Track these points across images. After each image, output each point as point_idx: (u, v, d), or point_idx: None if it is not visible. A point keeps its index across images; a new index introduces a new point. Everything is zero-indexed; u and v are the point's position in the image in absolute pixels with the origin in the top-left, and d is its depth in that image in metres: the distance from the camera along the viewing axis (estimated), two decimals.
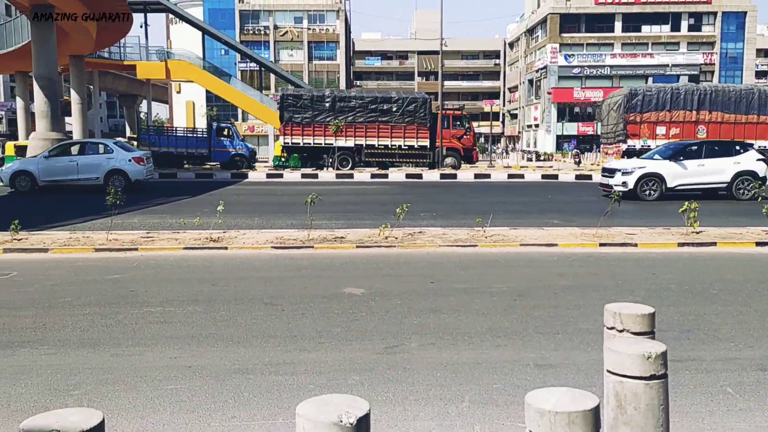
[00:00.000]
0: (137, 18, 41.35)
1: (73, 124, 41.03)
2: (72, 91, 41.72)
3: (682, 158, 18.54)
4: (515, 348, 5.76)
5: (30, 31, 28.69)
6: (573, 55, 60.96)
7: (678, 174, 18.30)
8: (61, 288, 8.02)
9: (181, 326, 6.36)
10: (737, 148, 19.31)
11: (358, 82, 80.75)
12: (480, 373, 5.15)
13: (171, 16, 59.52)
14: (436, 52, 65.13)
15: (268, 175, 28.74)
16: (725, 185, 18.55)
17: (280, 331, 6.21)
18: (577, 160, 41.83)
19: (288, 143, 31.32)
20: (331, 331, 6.21)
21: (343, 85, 66.46)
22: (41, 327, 6.31)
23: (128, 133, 66.72)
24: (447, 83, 75.38)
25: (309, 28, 65.08)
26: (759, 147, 23.70)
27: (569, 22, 61.09)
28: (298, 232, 11.94)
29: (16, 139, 45.83)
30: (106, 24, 34.96)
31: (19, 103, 52.02)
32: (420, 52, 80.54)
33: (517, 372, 5.17)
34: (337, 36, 65.64)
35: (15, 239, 10.76)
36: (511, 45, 79.91)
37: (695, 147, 19.28)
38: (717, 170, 18.45)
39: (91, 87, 52.00)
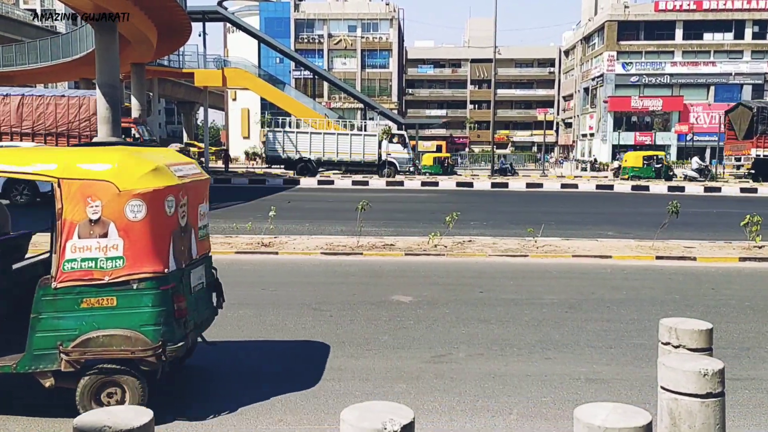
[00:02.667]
0: (196, 27, 42.48)
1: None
2: (132, 98, 43.16)
3: None
4: (566, 361, 5.63)
5: (94, 39, 29.81)
6: (631, 63, 59.65)
7: None
8: None
9: (231, 329, 6.46)
10: None
11: (410, 90, 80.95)
12: (529, 385, 5.06)
13: (228, 25, 60.98)
14: (489, 60, 64.75)
15: (320, 182, 29.05)
16: None
17: (328, 336, 6.24)
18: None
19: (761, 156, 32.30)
20: (378, 338, 6.21)
21: (395, 93, 66.77)
22: None
23: (185, 138, 68.57)
24: (500, 91, 74.85)
25: (362, 37, 65.65)
26: None
27: (627, 29, 59.82)
28: (347, 238, 12.00)
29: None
30: (166, 33, 36.08)
31: None
32: (473, 60, 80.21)
33: (568, 386, 5.06)
34: (390, 44, 66.00)
35: None
36: (567, 53, 78.74)
37: None
38: None
39: (151, 94, 53.71)
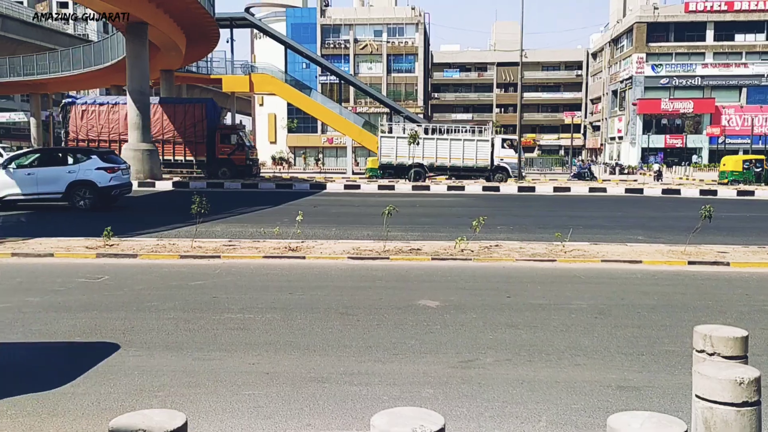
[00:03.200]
0: (224, 33, 42.96)
1: None
2: None
3: None
4: (596, 368, 5.56)
5: (125, 47, 30.34)
6: (660, 65, 58.83)
7: None
8: (148, 292, 8.38)
9: (260, 333, 6.51)
10: None
11: (435, 94, 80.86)
12: (558, 392, 5.01)
13: (255, 31, 61.58)
14: (515, 64, 64.37)
15: (346, 186, 29.14)
16: None
17: (355, 341, 6.25)
18: (656, 174, 39.56)
19: None
20: (405, 343, 6.20)
21: (420, 97, 66.75)
22: (130, 329, 6.61)
23: None
24: (526, 95, 74.37)
25: (388, 41, 65.78)
26: None
27: (657, 31, 59.01)
28: (374, 243, 12.02)
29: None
30: (194, 40, 36.55)
31: None
32: (499, 64, 79.83)
33: (598, 393, 4.99)
34: (416, 48, 66.02)
35: (107, 245, 11.33)
36: (594, 55, 77.95)
37: None
38: None
39: None
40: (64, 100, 36.33)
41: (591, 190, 28.86)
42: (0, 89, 55.14)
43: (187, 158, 33.18)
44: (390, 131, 35.08)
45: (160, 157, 31.15)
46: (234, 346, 6.08)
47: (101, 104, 33.94)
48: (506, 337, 6.43)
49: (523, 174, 34.60)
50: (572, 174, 36.52)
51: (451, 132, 35.05)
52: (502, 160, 33.36)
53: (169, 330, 6.60)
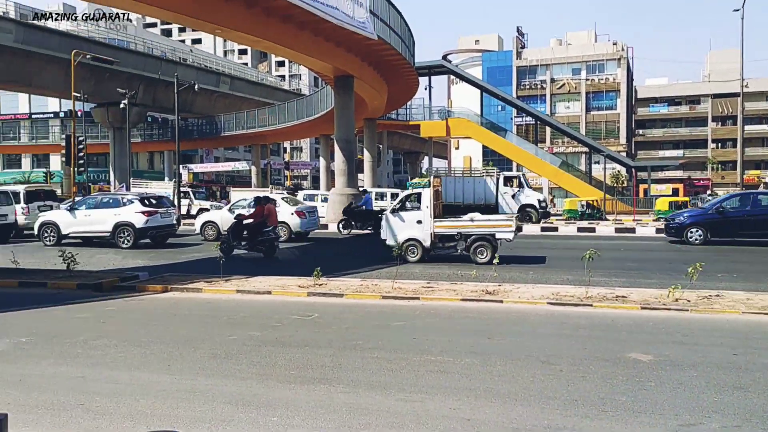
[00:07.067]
0: (422, 81, 44.69)
1: (365, 180, 45.48)
2: (365, 150, 46.48)
3: None
4: None
5: (333, 99, 32.80)
6: None
7: None
8: (353, 331, 8.77)
9: (459, 377, 6.47)
10: None
11: (640, 131, 76.41)
12: None
13: (452, 77, 63.28)
14: (734, 95, 58.97)
15: (543, 228, 28.38)
16: None
17: (559, 392, 5.96)
18: None
19: None
20: (615, 398, 5.78)
21: (623, 134, 63.53)
22: (337, 366, 6.94)
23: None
24: (748, 127, 67.40)
25: (587, 79, 63.83)
26: None
27: None
28: (574, 288, 11.49)
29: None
30: (395, 89, 38.48)
31: (322, 162, 59.46)
32: (714, 96, 73.57)
33: None
34: (618, 84, 63.25)
35: (317, 284, 12.11)
36: None
37: None
38: None
39: (381, 146, 57.35)
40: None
41: None
42: (227, 141, 62.38)
43: None
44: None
45: None
46: (435, 389, 6.11)
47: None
48: (734, 400, 5.72)
49: None
50: None
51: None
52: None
53: (373, 369, 6.81)
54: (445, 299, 10.91)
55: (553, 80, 64.96)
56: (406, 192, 18.75)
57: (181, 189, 33.44)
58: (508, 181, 32.25)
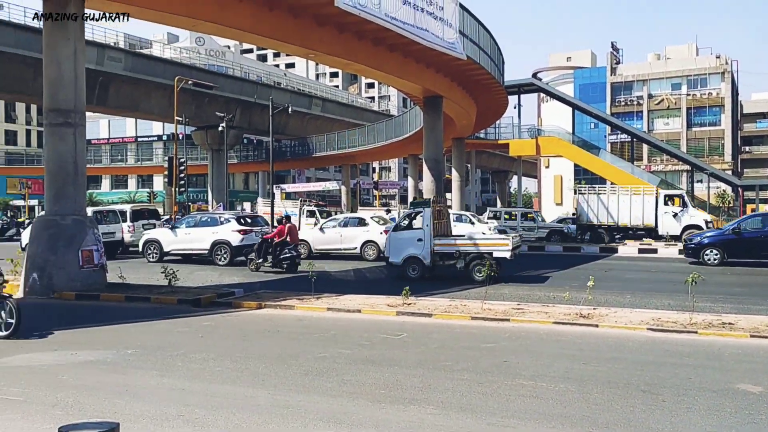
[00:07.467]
0: (511, 99, 44.20)
1: (453, 199, 45.27)
2: (453, 170, 46.33)
3: None
4: None
5: (422, 119, 32.96)
6: None
7: None
8: (442, 352, 8.70)
9: (554, 404, 6.27)
10: None
11: (746, 148, 72.17)
12: None
13: (542, 94, 62.24)
14: None
15: (640, 250, 27.20)
16: None
17: (662, 424, 5.65)
18: None
19: None
20: None
21: (728, 152, 60.23)
22: (427, 387, 6.89)
23: (499, 206, 70.84)
24: None
25: (688, 94, 61.04)
26: None
27: None
28: (677, 314, 10.92)
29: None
30: (484, 109, 38.24)
31: (410, 182, 59.79)
32: None
33: None
34: (722, 99, 60.12)
35: (406, 303, 12.12)
36: None
37: None
38: None
39: (469, 165, 57.02)
40: None
41: None
42: (318, 162, 63.89)
43: None
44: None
45: None
46: (527, 415, 5.94)
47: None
48: None
49: None
50: None
51: None
52: None
53: (463, 391, 6.71)
54: (537, 321, 10.64)
55: (650, 96, 62.53)
56: (408, 211, 19.39)
57: (308, 208, 34.36)
58: (669, 199, 29.53)
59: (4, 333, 9.57)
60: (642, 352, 8.64)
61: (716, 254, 20.41)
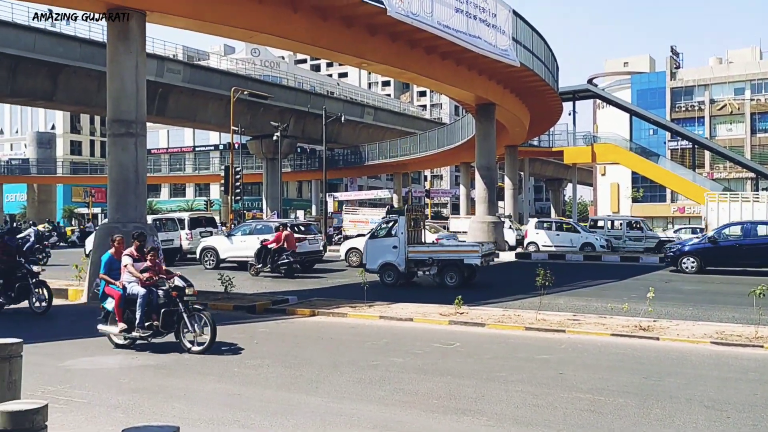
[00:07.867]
0: (566, 106, 43.51)
1: (505, 207, 44.76)
2: (506, 178, 45.84)
3: None
4: None
5: (474, 127, 32.76)
6: None
7: None
8: (496, 362, 8.59)
9: (612, 418, 6.10)
10: None
11: None
12: None
13: (598, 101, 61.04)
14: None
15: None
16: None
17: None
18: None
19: None
20: None
21: None
22: (480, 398, 6.81)
23: (553, 215, 69.68)
24: None
25: (752, 99, 58.84)
26: None
27: None
28: (742, 327, 10.50)
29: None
30: (538, 116, 37.77)
31: (462, 190, 59.43)
32: None
33: None
34: None
35: (458, 312, 12.02)
36: None
37: None
38: None
39: (522, 173, 56.29)
40: None
41: None
42: (370, 170, 64.20)
43: None
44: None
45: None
46: (584, 429, 5.80)
47: None
48: None
49: None
50: None
51: None
52: None
53: (517, 403, 6.61)
54: (594, 333, 10.38)
55: (712, 101, 60.56)
56: (384, 218, 19.87)
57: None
58: None
59: (198, 349, 8.90)
60: (705, 366, 8.33)
61: (693, 262, 20.82)
